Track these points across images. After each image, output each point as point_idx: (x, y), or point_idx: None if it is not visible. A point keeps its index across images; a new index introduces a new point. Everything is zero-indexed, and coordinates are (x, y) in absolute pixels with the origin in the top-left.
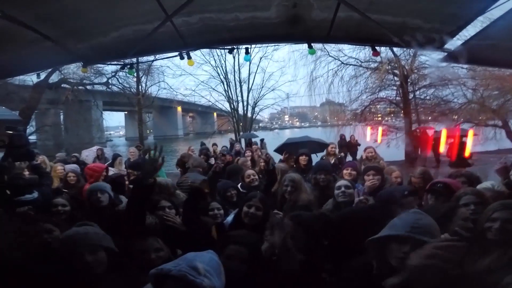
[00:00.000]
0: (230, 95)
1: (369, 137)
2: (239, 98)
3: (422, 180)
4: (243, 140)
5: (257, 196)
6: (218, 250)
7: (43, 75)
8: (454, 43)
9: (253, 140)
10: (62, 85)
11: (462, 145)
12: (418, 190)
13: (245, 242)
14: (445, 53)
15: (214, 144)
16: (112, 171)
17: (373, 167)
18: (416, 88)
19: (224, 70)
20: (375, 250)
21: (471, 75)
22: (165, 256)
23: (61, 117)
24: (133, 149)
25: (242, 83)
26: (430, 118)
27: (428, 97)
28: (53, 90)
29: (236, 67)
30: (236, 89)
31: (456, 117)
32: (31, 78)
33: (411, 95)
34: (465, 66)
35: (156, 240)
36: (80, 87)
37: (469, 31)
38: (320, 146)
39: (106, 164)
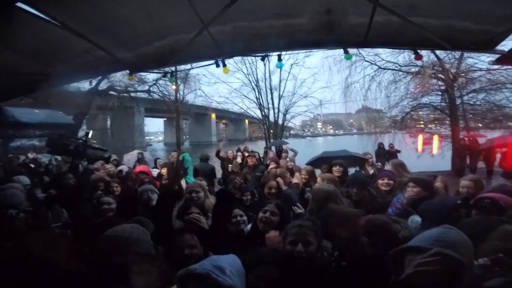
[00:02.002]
0: (261, 102)
1: (420, 146)
2: (270, 105)
3: (473, 188)
4: (274, 148)
5: (273, 202)
6: (246, 264)
7: (94, 83)
8: (507, 44)
9: (284, 147)
10: (110, 92)
11: None
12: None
13: (275, 261)
14: (498, 55)
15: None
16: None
17: (414, 179)
18: (464, 93)
19: (255, 77)
20: (395, 263)
21: None
22: (198, 254)
23: (108, 122)
24: (174, 154)
25: (273, 90)
26: (480, 125)
27: (478, 102)
28: (102, 96)
29: (267, 74)
30: (267, 96)
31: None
32: (83, 85)
33: (458, 101)
34: None
35: (192, 237)
36: (125, 94)
37: None
38: (358, 161)
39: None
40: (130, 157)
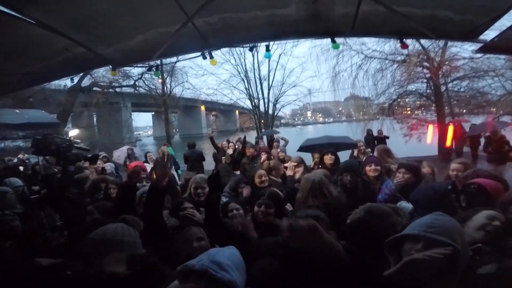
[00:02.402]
0: (251, 93)
1: (430, 138)
2: (260, 96)
3: (463, 172)
4: (265, 137)
5: (266, 194)
6: (246, 257)
7: (76, 79)
8: (489, 34)
9: (275, 136)
10: (94, 88)
11: (501, 139)
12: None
13: (277, 253)
14: (481, 44)
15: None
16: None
17: (404, 164)
18: (448, 80)
19: (244, 68)
20: (392, 253)
21: (509, 66)
22: (206, 246)
23: (94, 119)
24: (164, 148)
25: (262, 81)
26: (465, 111)
27: (462, 89)
28: (86, 93)
29: (256, 65)
30: (256, 86)
31: (494, 109)
32: (65, 83)
33: (443, 88)
34: (502, 56)
35: (199, 230)
36: (110, 90)
37: (504, 22)
38: (344, 146)
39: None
40: (119, 153)
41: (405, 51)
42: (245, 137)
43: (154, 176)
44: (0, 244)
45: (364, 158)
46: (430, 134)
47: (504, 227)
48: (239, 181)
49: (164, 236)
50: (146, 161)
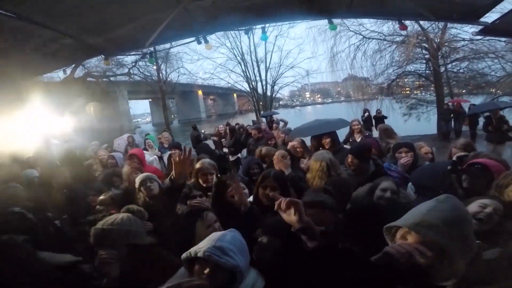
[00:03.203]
0: (249, 75)
1: None
2: (258, 78)
3: (464, 151)
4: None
5: (271, 175)
6: (249, 235)
7: (68, 71)
8: (490, 16)
9: (274, 118)
10: (88, 79)
11: (501, 119)
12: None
13: (278, 232)
14: (481, 26)
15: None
16: (146, 154)
17: (404, 143)
18: (448, 62)
19: (240, 51)
20: (390, 237)
21: (509, 48)
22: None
23: (91, 110)
24: (165, 134)
25: (259, 63)
26: (464, 91)
27: (461, 70)
28: (80, 84)
29: (252, 48)
30: (253, 69)
31: (494, 90)
32: (58, 75)
33: (442, 69)
34: (503, 39)
35: (212, 213)
36: (104, 79)
37: (506, 4)
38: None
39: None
40: (120, 141)
41: (403, 32)
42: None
43: (173, 173)
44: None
45: (361, 137)
46: None
47: (500, 212)
48: (250, 163)
49: (177, 224)
50: (145, 148)
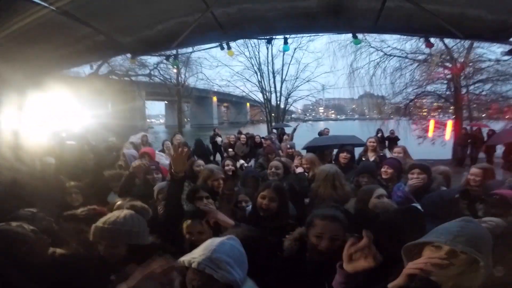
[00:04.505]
0: (264, 86)
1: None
2: (272, 89)
3: (482, 177)
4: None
5: (271, 186)
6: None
7: (94, 67)
8: None
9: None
10: (110, 77)
11: None
12: (472, 192)
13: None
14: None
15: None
16: (161, 155)
17: (418, 165)
18: (471, 83)
19: (258, 61)
20: (409, 256)
21: None
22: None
23: (109, 106)
24: (178, 136)
25: (275, 74)
26: (484, 115)
27: (484, 93)
28: (103, 81)
29: (270, 58)
30: (269, 80)
31: None
32: (84, 70)
33: (463, 90)
34: None
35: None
36: (126, 78)
37: None
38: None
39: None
40: (134, 140)
41: (426, 50)
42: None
43: (173, 168)
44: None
45: (374, 156)
46: (449, 130)
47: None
48: (246, 176)
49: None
50: (162, 150)
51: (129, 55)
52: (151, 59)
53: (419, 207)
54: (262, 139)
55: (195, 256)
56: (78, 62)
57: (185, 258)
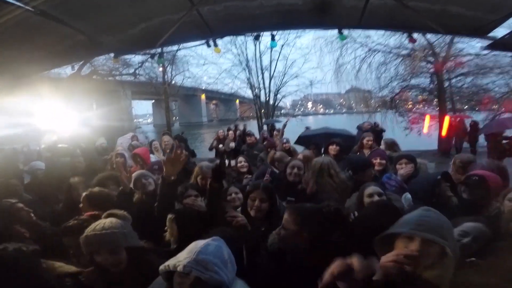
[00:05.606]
0: (252, 83)
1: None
2: (261, 85)
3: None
4: (265, 126)
5: (261, 187)
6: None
7: (76, 67)
8: (498, 31)
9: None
10: (93, 77)
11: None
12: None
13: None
14: (490, 41)
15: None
16: (152, 157)
17: (405, 155)
18: (452, 76)
19: (246, 58)
20: (383, 249)
21: None
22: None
23: (94, 106)
24: (167, 138)
25: (263, 71)
26: (466, 107)
27: (465, 85)
28: (85, 81)
29: (258, 55)
30: (258, 76)
31: (496, 106)
32: (65, 71)
33: (446, 83)
34: (510, 54)
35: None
36: (110, 78)
37: None
38: (345, 138)
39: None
40: (123, 141)
41: (409, 45)
42: (245, 125)
43: (164, 171)
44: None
45: (368, 153)
46: (427, 124)
47: (483, 240)
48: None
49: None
50: (151, 151)
51: (112, 55)
52: (136, 58)
53: (409, 195)
54: (247, 136)
55: (180, 259)
56: (58, 63)
57: (170, 263)
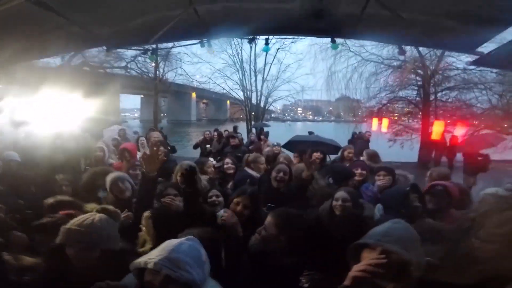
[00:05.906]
0: (245, 84)
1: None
2: (253, 88)
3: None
4: (254, 129)
5: (247, 192)
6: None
7: (66, 58)
8: (487, 46)
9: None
10: (83, 68)
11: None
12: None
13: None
14: (477, 56)
15: (226, 130)
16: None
17: (384, 167)
18: (439, 90)
19: (240, 59)
20: (353, 259)
21: (499, 80)
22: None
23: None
24: (155, 134)
25: (257, 73)
26: (449, 121)
27: (450, 100)
28: (74, 72)
29: (252, 57)
30: (250, 78)
31: (476, 122)
32: (54, 61)
33: (432, 97)
34: (495, 70)
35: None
36: (100, 71)
37: (505, 35)
38: (332, 148)
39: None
40: (110, 133)
41: (401, 57)
42: (235, 127)
43: (144, 167)
44: None
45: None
46: (385, 125)
47: None
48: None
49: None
50: (138, 148)
51: (104, 48)
52: (128, 52)
53: (379, 206)
54: (230, 138)
55: (151, 257)
56: (48, 53)
57: (141, 260)
